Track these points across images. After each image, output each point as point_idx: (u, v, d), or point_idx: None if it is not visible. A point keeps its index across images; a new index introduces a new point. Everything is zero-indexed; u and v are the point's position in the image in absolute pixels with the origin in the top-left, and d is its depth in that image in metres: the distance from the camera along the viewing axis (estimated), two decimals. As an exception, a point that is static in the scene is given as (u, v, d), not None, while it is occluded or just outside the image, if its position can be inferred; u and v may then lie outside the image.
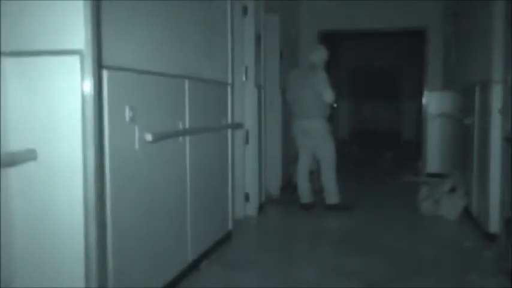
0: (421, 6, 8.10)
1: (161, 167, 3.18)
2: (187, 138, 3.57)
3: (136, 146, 2.85)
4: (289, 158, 7.21)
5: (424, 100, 8.36)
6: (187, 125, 3.55)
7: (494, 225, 4.50)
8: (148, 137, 2.83)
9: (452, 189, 5.60)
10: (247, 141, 5.53)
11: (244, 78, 5.48)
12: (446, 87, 7.56)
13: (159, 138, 2.98)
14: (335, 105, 6.26)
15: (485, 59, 4.75)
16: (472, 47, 5.44)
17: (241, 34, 5.44)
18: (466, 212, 5.43)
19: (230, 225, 4.69)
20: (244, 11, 5.44)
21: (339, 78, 14.79)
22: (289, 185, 7.00)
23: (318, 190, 6.19)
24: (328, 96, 5.72)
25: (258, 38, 5.69)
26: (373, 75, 16.23)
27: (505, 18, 4.40)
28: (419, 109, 11.32)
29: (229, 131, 4.58)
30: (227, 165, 4.60)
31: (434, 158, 8.11)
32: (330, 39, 11.66)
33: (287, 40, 7.45)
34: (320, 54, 6.01)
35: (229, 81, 4.59)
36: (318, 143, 5.94)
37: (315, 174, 6.51)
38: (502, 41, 4.44)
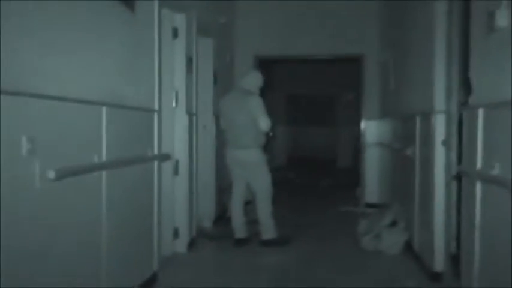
0: (357, 33, 7.97)
1: (69, 207, 2.73)
2: (104, 173, 3.13)
3: (37, 184, 2.39)
4: (224, 187, 6.82)
5: (361, 128, 8.17)
6: (104, 158, 3.11)
7: (440, 263, 4.24)
8: (51, 174, 2.37)
9: (393, 223, 5.36)
10: (176, 172, 5.11)
11: (174, 104, 5.07)
12: (385, 116, 7.41)
13: (64, 174, 2.53)
14: (271, 133, 5.90)
15: (426, 88, 4.55)
16: (411, 76, 5.26)
17: (171, 57, 5.06)
18: (408, 246, 5.18)
19: (155, 266, 4.23)
20: (175, 32, 5.06)
21: (275, 104, 14.63)
22: (223, 217, 6.61)
23: (254, 221, 5.80)
24: (264, 123, 5.39)
25: (189, 62, 5.32)
26: (310, 102, 16.19)
27: (446, 45, 4.21)
28: (356, 137, 11.28)
29: (156, 163, 4.15)
30: (153, 199, 4.16)
31: (372, 187, 7.92)
32: (266, 65, 11.46)
33: (222, 64, 7.12)
34: (254, 79, 5.68)
35: (156, 107, 4.17)
36: (252, 174, 5.59)
37: (250, 205, 6.15)
38: (444, 70, 4.25)
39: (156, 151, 4.14)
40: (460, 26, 4.08)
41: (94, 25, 3.02)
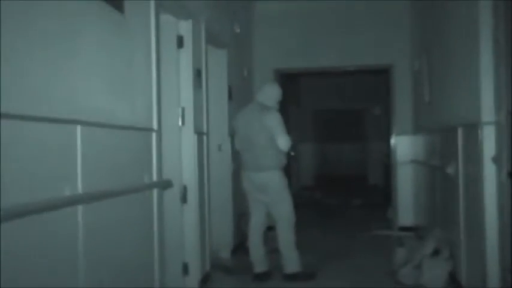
0: (385, 42, 7.33)
1: (29, 253, 2.14)
2: (80, 208, 2.55)
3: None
4: (243, 213, 6.22)
5: (392, 144, 7.49)
6: (79, 190, 2.53)
7: (493, 299, 3.56)
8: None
9: (435, 252, 4.66)
10: (184, 200, 4.52)
11: (180, 123, 4.51)
12: (418, 130, 6.73)
13: (16, 214, 1.96)
14: (292, 153, 5.27)
15: (470, 96, 3.91)
16: (452, 84, 4.59)
17: (177, 69, 4.50)
18: (453, 279, 4.48)
19: (158, 311, 3.63)
20: (180, 41, 4.51)
21: (301, 121, 14.02)
22: (243, 245, 5.99)
23: (276, 250, 5.15)
24: (283, 142, 4.78)
25: (198, 74, 4.76)
26: (337, 117, 15.53)
27: (493, 47, 3.57)
28: (387, 153, 10.57)
29: (156, 191, 3.57)
30: (152, 233, 3.56)
31: (406, 209, 7.21)
32: (289, 79, 10.87)
33: (238, 78, 6.55)
34: (271, 93, 5.05)
35: (155, 126, 3.60)
36: (272, 200, 4.94)
37: (273, 231, 5.52)
38: (491, 75, 3.61)
39: (155, 177, 3.55)
40: (508, 27, 3.45)
41: (66, 26, 2.46)
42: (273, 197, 4.91)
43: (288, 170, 11.77)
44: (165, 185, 3.73)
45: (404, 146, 7.27)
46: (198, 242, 4.63)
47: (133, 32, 3.29)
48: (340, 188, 13.15)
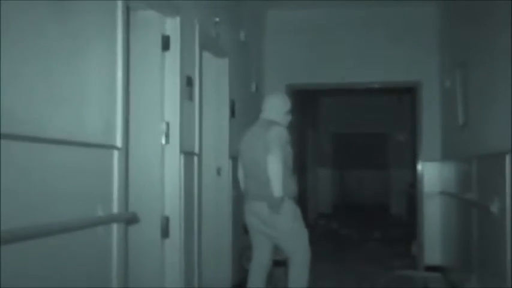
0: (412, 56, 6.50)
1: None
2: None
3: None
4: (245, 247, 5.40)
5: (418, 171, 6.60)
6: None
7: None
8: None
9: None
10: (165, 234, 3.71)
11: (163, 141, 3.73)
12: (448, 157, 5.86)
13: None
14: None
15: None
16: (496, 103, 3.74)
17: (161, 75, 3.75)
18: None
19: None
20: (165, 42, 3.75)
21: (320, 144, 13.20)
22: (244, 285, 5.17)
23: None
24: (271, 161, 3.85)
25: (188, 83, 4.00)
26: (358, 141, 14.67)
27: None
28: (410, 182, 9.68)
29: (115, 226, 2.77)
30: (110, 278, 2.75)
31: (433, 246, 6.30)
32: (307, 99, 10.08)
33: (244, 93, 5.78)
34: (277, 104, 4.21)
35: (118, 143, 2.82)
36: (282, 235, 4.07)
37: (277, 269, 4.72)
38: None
39: (115, 208, 2.76)
40: None
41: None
42: (282, 230, 4.06)
43: (305, 197, 10.99)
44: (128, 218, 2.93)
45: (432, 174, 6.38)
46: (182, 283, 3.80)
47: (84, 20, 2.52)
48: (359, 218, 12.23)
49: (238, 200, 5.26)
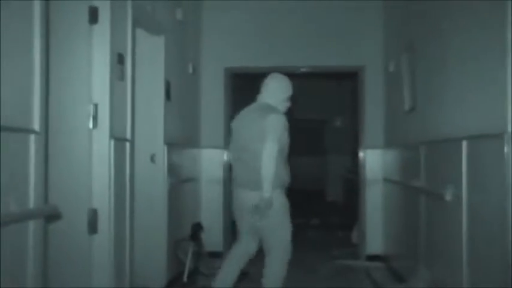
0: (354, 41, 6.30)
1: None
2: None
3: None
4: (180, 239, 5.08)
5: (360, 158, 6.43)
6: None
7: None
8: None
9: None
10: (93, 230, 3.32)
11: (90, 125, 3.33)
12: (392, 143, 5.71)
13: None
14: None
15: (486, 98, 2.87)
16: (451, 87, 3.55)
17: (88, 51, 3.33)
18: None
19: None
20: (93, 14, 3.33)
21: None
22: (180, 280, 4.87)
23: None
24: (266, 150, 3.71)
25: (119, 61, 3.59)
26: (295, 127, 14.48)
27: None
28: (349, 168, 9.57)
29: (32, 223, 2.37)
30: (24, 282, 2.35)
31: (375, 235, 6.16)
32: (244, 82, 9.80)
33: (180, 75, 5.41)
34: (273, 87, 4.04)
35: (36, 127, 2.42)
36: (266, 227, 3.87)
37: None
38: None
39: (31, 202, 2.36)
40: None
41: None
42: (269, 222, 3.82)
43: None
44: (48, 213, 2.53)
45: (374, 161, 6.23)
46: (112, 283, 3.43)
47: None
48: (295, 204, 12.04)
49: (175, 187, 4.93)
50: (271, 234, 3.90)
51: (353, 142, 8.19)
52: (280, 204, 3.84)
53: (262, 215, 3.74)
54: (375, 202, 6.19)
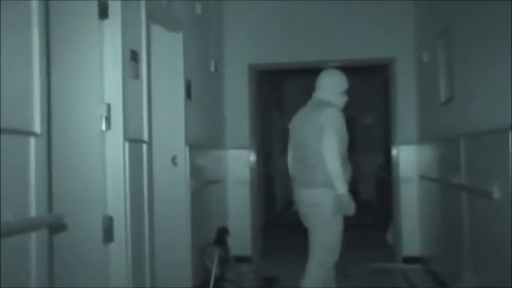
0: (384, 31, 5.97)
1: None
2: None
3: None
4: (207, 244, 4.85)
5: (393, 155, 6.10)
6: None
7: None
8: None
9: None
10: (109, 238, 3.11)
11: (103, 127, 3.11)
12: (427, 138, 5.38)
13: None
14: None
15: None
16: (495, 73, 3.23)
17: (99, 48, 3.12)
18: None
19: None
20: (103, 9, 3.12)
21: (286, 130, 12.66)
22: (207, 285, 4.65)
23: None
24: (325, 147, 3.53)
25: (133, 58, 3.38)
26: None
27: None
28: (381, 166, 9.24)
29: (34, 235, 2.16)
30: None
31: (411, 235, 5.83)
32: (271, 81, 9.57)
33: (202, 73, 5.18)
34: (326, 81, 3.83)
35: (37, 129, 2.20)
36: (315, 226, 3.66)
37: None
38: None
39: (33, 211, 2.15)
40: None
41: None
42: (313, 218, 3.64)
43: (272, 185, 10.43)
44: (52, 222, 2.31)
45: (408, 157, 5.90)
46: (133, 295, 3.21)
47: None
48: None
49: (199, 190, 4.70)
50: (315, 234, 3.68)
51: (385, 139, 7.86)
52: (326, 201, 3.57)
53: (347, 212, 3.56)
54: (410, 201, 5.86)
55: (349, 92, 3.96)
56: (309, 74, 10.48)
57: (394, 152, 6.06)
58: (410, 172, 5.86)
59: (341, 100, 3.85)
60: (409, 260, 5.79)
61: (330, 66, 6.40)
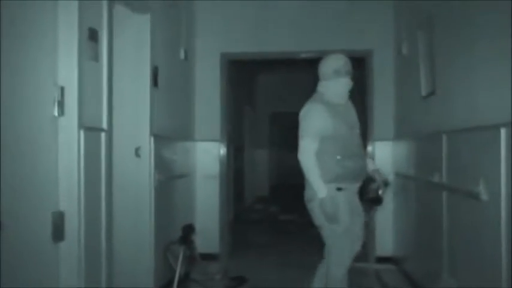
0: (359, 24, 5.75)
1: None
2: None
3: None
4: (171, 242, 4.57)
5: (369, 152, 5.88)
6: None
7: None
8: None
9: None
10: (59, 236, 2.80)
11: (55, 112, 2.80)
12: (403, 135, 5.18)
13: None
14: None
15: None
16: (487, 63, 3.01)
17: (52, 26, 2.81)
18: None
19: None
20: (55, -19, 2.81)
21: (257, 124, 12.45)
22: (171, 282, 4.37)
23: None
24: (301, 162, 3.45)
25: (91, 37, 3.07)
26: (296, 121, 13.94)
27: None
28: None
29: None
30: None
31: (385, 235, 5.65)
32: (244, 74, 9.32)
33: (170, 60, 4.89)
34: (319, 66, 3.58)
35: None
36: (319, 226, 3.49)
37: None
38: None
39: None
40: None
41: None
42: (315, 216, 3.48)
43: (241, 180, 10.18)
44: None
45: (384, 154, 5.69)
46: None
47: None
48: (297, 201, 11.54)
49: (164, 184, 4.41)
50: (323, 234, 3.54)
51: (360, 135, 7.65)
52: (329, 199, 3.36)
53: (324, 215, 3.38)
54: (385, 200, 5.65)
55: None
56: (284, 66, 10.27)
57: (369, 148, 5.84)
58: (385, 169, 5.60)
59: (332, 89, 3.56)
60: (382, 260, 5.60)
61: (302, 57, 6.21)
